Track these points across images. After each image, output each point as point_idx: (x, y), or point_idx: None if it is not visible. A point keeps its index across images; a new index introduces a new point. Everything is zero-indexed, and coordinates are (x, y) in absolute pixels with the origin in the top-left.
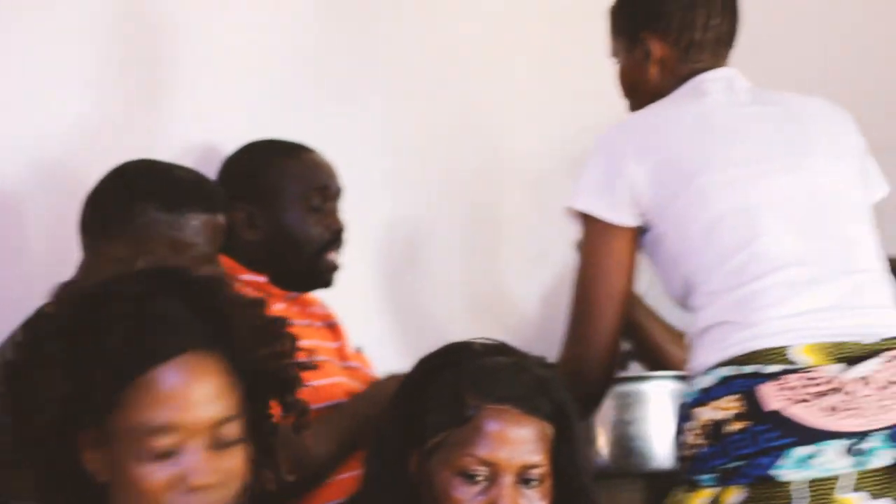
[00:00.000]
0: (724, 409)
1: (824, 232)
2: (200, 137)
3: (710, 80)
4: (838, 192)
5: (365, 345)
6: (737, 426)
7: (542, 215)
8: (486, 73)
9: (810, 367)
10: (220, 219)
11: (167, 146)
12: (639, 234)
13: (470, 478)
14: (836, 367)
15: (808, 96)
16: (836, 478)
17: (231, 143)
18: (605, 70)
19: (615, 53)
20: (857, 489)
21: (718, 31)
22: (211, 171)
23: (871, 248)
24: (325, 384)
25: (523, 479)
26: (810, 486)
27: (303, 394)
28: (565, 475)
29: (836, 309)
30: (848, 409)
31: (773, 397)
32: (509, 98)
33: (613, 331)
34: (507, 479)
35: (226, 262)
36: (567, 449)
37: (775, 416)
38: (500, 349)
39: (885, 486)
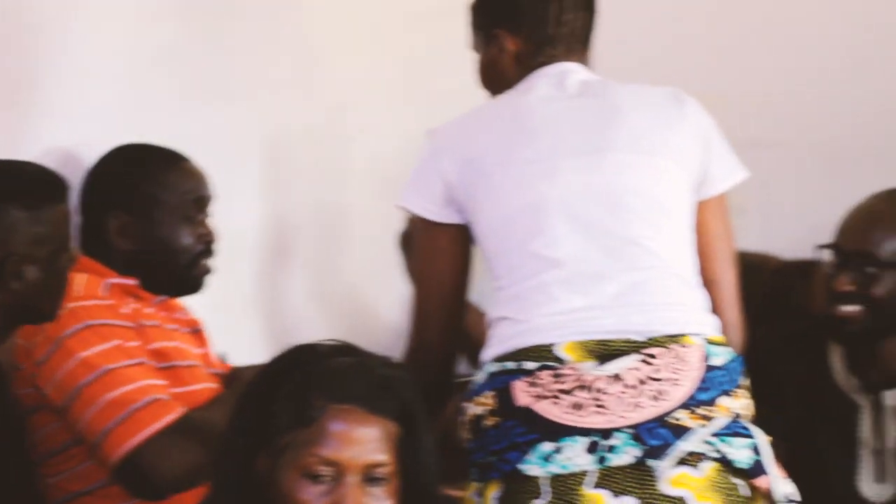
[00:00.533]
0: (483, 404)
1: (609, 230)
2: (62, 138)
3: (543, 75)
4: (634, 190)
5: (229, 349)
6: (491, 421)
7: (403, 216)
8: (348, 73)
9: (568, 364)
10: (67, 206)
11: (26, 146)
12: (468, 230)
13: (315, 478)
14: (589, 365)
15: (649, 87)
16: (580, 474)
17: (94, 144)
18: (462, 70)
19: (475, 47)
20: (599, 486)
21: (572, 26)
22: (72, 171)
23: (663, 245)
24: (193, 390)
25: (369, 478)
26: (552, 482)
27: (173, 398)
28: (412, 474)
29: (607, 307)
30: (594, 407)
31: (523, 393)
32: (368, 97)
33: (444, 326)
34: (352, 479)
35: (94, 266)
36: (414, 448)
37: (524, 411)
38: (346, 350)
39: (628, 484)
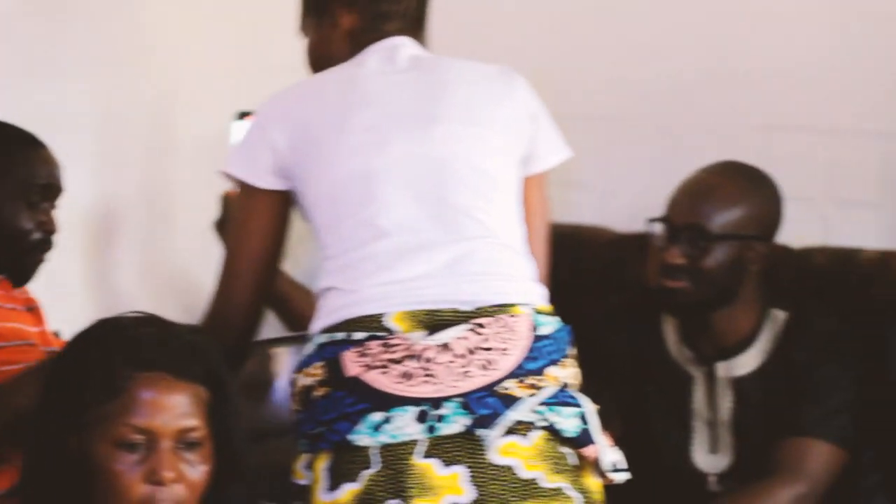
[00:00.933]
0: (312, 375)
1: (439, 200)
2: None
3: (375, 50)
4: (465, 161)
5: (63, 326)
6: (320, 392)
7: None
8: (179, 52)
9: (397, 334)
10: None
11: None
12: (291, 199)
13: (128, 447)
14: (419, 335)
15: (480, 64)
16: (410, 443)
17: None
18: (293, 50)
19: (304, 30)
20: (429, 455)
21: (407, 3)
22: None
23: (494, 216)
24: None
25: (181, 443)
26: (382, 452)
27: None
28: (223, 438)
29: (436, 276)
30: (423, 376)
31: (352, 364)
32: (199, 77)
33: (250, 290)
34: (165, 445)
35: None
36: (223, 412)
37: (353, 381)
38: (149, 320)
39: (458, 453)
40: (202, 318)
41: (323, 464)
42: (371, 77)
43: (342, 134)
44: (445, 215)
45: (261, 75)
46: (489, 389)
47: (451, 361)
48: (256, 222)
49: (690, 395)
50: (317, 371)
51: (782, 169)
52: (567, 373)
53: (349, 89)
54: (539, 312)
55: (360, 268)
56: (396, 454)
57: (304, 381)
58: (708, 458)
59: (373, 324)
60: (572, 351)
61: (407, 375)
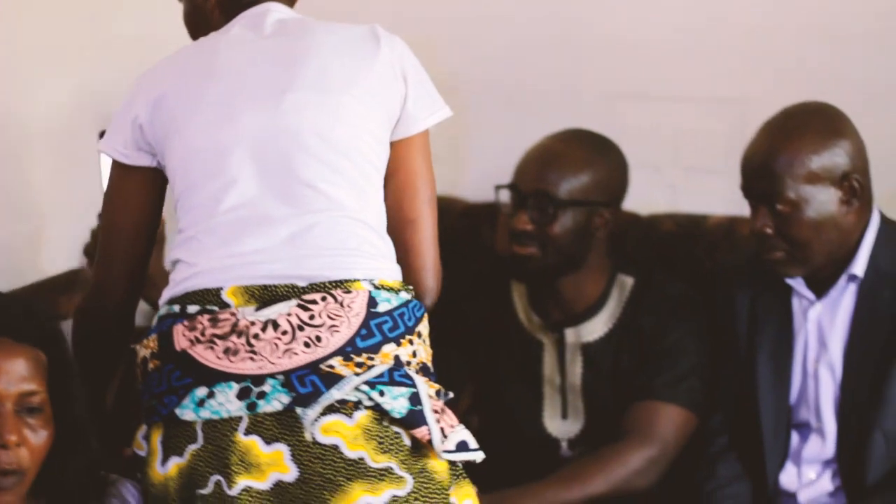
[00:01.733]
0: (148, 347)
1: (285, 172)
2: None
3: (244, 17)
4: (314, 131)
5: None
6: (153, 365)
7: (73, 171)
8: (30, 22)
9: (230, 308)
10: None
11: None
12: (161, 175)
13: None
14: (249, 310)
15: (347, 26)
16: (234, 420)
17: None
18: (145, 19)
19: None
20: (251, 432)
21: None
22: None
23: (343, 189)
24: None
25: (23, 407)
26: (205, 427)
27: None
28: (63, 403)
29: (276, 251)
30: (246, 352)
31: (181, 337)
32: (48, 47)
33: (125, 270)
34: (7, 408)
35: None
36: (62, 377)
37: (181, 355)
38: None
39: (278, 430)
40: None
41: (158, 437)
42: (232, 46)
43: (195, 107)
44: (290, 188)
45: (112, 44)
46: (312, 367)
47: (277, 338)
48: (124, 198)
49: (540, 362)
50: (152, 343)
51: (630, 137)
52: (406, 351)
53: (207, 60)
54: (381, 288)
55: (203, 241)
56: (219, 430)
57: (142, 352)
58: (559, 424)
59: (208, 297)
60: (421, 328)
61: (231, 351)
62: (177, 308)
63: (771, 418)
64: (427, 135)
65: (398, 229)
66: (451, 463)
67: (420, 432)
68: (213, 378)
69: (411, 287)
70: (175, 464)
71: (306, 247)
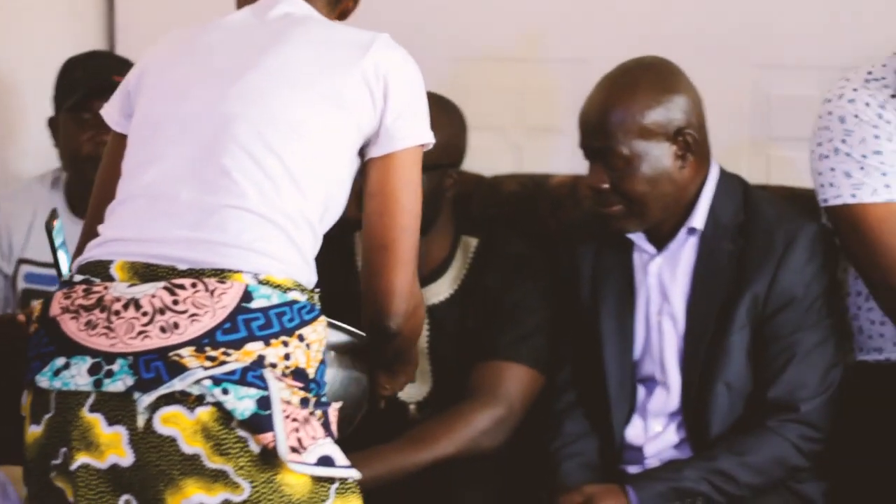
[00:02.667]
0: (36, 310)
1: (207, 158)
2: None
3: (259, 3)
4: (248, 123)
5: None
6: (33, 328)
7: None
8: None
9: (105, 282)
10: None
11: None
12: None
13: None
14: (122, 286)
15: (348, 30)
16: (82, 394)
17: None
18: None
19: None
20: (95, 410)
21: None
22: None
23: (265, 183)
24: None
25: None
26: (57, 398)
27: None
28: None
29: (174, 233)
30: (103, 328)
31: (56, 304)
32: None
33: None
34: None
35: None
36: None
37: (51, 322)
38: None
39: (119, 412)
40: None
41: (29, 401)
42: (225, 27)
43: (159, 79)
44: (208, 174)
45: None
46: (161, 353)
47: (135, 318)
48: (109, 160)
49: None
50: (38, 307)
51: (473, 98)
52: (277, 352)
53: (196, 36)
54: (265, 284)
55: (117, 214)
56: (69, 403)
57: (34, 314)
58: (407, 387)
59: (98, 269)
60: (306, 332)
61: (91, 324)
62: (74, 276)
63: (616, 372)
64: (411, 158)
65: (370, 251)
66: (325, 479)
67: (265, 438)
68: (72, 349)
69: (314, 291)
70: (32, 431)
71: (202, 233)
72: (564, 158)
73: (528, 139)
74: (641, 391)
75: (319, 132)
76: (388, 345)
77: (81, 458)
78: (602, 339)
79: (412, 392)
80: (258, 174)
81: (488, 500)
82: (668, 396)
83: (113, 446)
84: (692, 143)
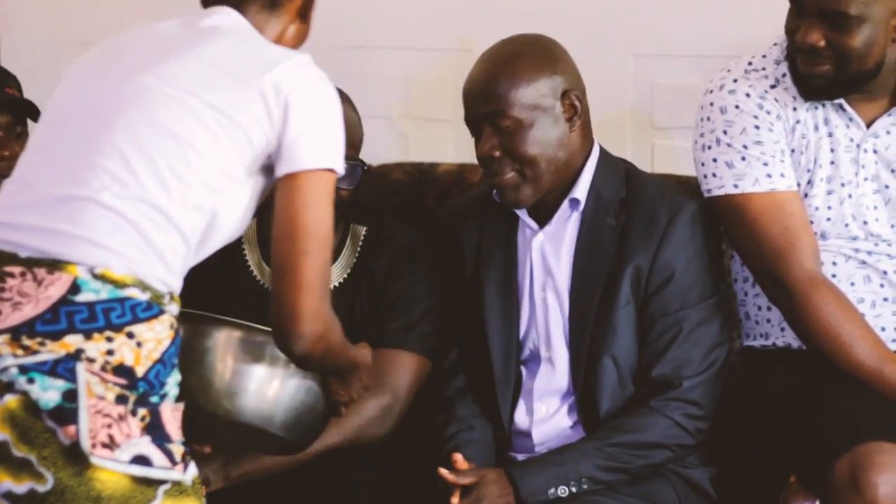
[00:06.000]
0: None
1: (84, 151)
2: None
3: (195, 13)
4: (131, 117)
5: None
6: None
7: None
8: None
9: None
10: None
11: None
12: None
13: None
14: None
15: (270, 46)
16: None
17: None
18: None
19: None
20: None
21: None
22: None
23: (137, 180)
24: None
25: None
26: None
27: None
28: None
29: (30, 220)
30: None
31: None
32: None
33: None
34: None
35: None
36: None
37: None
38: None
39: None
40: None
41: None
42: (144, 34)
43: (68, 79)
44: (77, 168)
45: None
46: None
47: None
48: None
49: None
50: None
51: (361, 87)
52: (99, 347)
53: (115, 41)
54: (100, 278)
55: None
56: None
57: None
58: None
59: None
60: (138, 329)
61: None
62: None
63: (501, 354)
64: (315, 181)
65: (275, 274)
66: (152, 480)
67: (69, 430)
68: None
69: (161, 292)
70: None
71: (52, 223)
72: (451, 147)
73: (414, 128)
74: (526, 372)
75: (203, 142)
76: (306, 366)
77: None
78: (487, 320)
79: None
80: (123, 172)
81: (382, 487)
82: (554, 374)
83: None
84: (578, 105)
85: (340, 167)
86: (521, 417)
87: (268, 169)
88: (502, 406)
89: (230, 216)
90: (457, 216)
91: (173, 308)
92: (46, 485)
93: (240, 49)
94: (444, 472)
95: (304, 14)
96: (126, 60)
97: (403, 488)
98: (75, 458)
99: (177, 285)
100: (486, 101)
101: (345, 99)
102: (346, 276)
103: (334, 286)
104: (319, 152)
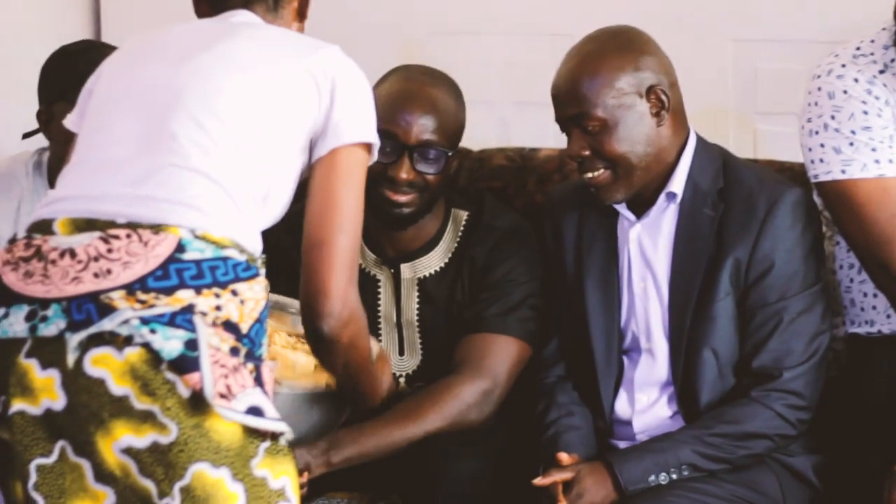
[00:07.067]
0: None
1: (157, 123)
2: None
3: (219, 17)
4: (200, 91)
5: None
6: None
7: None
8: None
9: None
10: None
11: None
12: None
13: None
14: (60, 238)
15: (301, 36)
16: (19, 341)
17: None
18: None
19: None
20: (31, 355)
21: None
22: None
23: (212, 150)
24: None
25: None
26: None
27: None
28: None
29: (117, 190)
30: (40, 276)
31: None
32: None
33: None
34: None
35: None
36: None
37: None
38: None
39: (53, 355)
40: None
41: None
42: (179, 28)
43: (114, 70)
44: (156, 137)
45: None
46: (92, 297)
47: (70, 266)
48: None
49: (377, 298)
50: None
51: (460, 72)
52: (209, 302)
53: (154, 37)
54: (201, 239)
55: (67, 176)
56: (7, 350)
57: None
58: (397, 360)
59: (43, 227)
60: (241, 287)
61: (29, 274)
62: (20, 234)
63: (602, 344)
64: (355, 157)
65: (307, 251)
66: (256, 432)
67: (192, 378)
68: (11, 299)
69: (254, 255)
70: None
71: (142, 189)
72: (552, 133)
73: (515, 113)
74: (627, 362)
75: (262, 112)
76: (328, 354)
77: (17, 405)
78: (587, 309)
79: (402, 364)
80: (204, 138)
81: (483, 472)
82: (654, 365)
83: (46, 390)
84: (666, 100)
85: (376, 141)
86: (622, 407)
87: (307, 151)
88: (604, 395)
89: (283, 191)
90: (557, 204)
91: (264, 270)
92: (170, 435)
93: (280, 35)
94: (536, 480)
95: (302, 13)
96: (178, 46)
97: (502, 476)
98: (195, 409)
99: (260, 249)
100: (570, 104)
101: (450, 86)
102: (447, 260)
103: (436, 270)
104: (363, 128)
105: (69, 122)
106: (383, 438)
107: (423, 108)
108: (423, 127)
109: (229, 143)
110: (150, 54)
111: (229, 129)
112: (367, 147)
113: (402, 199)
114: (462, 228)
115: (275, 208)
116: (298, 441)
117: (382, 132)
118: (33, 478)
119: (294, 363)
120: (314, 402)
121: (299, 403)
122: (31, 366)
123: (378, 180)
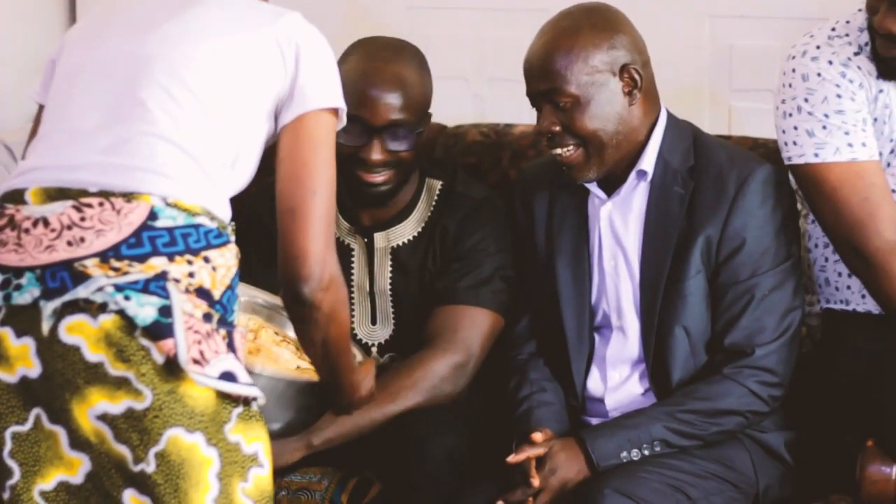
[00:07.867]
0: None
1: (125, 92)
2: None
3: None
4: (167, 60)
5: None
6: None
7: None
8: None
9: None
10: None
11: None
12: None
13: None
14: (32, 207)
15: (266, 5)
16: None
17: None
18: None
19: None
20: (5, 324)
21: None
22: None
23: (178, 118)
24: None
25: None
26: None
27: None
28: None
29: (87, 159)
30: (13, 245)
31: None
32: None
33: None
34: None
35: None
36: None
37: None
38: None
39: (27, 323)
40: None
41: None
42: (140, 1)
43: (77, 39)
44: (124, 106)
45: None
46: (66, 265)
47: (43, 234)
48: (33, 129)
49: (351, 267)
50: None
51: (435, 47)
52: (181, 269)
53: (111, 8)
54: (173, 206)
55: (37, 147)
56: None
57: None
58: (369, 329)
59: (14, 197)
60: (212, 254)
61: (2, 243)
62: None
63: (574, 320)
64: (323, 122)
65: (281, 217)
66: (229, 397)
67: (166, 345)
68: None
69: (225, 222)
70: None
71: (114, 158)
72: (526, 109)
73: (490, 89)
74: (598, 339)
75: (229, 79)
76: (308, 322)
77: None
78: (559, 287)
79: (375, 334)
80: (172, 105)
81: (458, 447)
82: (626, 343)
83: (21, 358)
84: (638, 79)
85: (343, 106)
86: (594, 384)
87: (273, 118)
88: (576, 372)
89: (250, 157)
90: (529, 182)
91: (233, 237)
92: (145, 401)
93: (244, 3)
94: (509, 458)
95: None
96: (143, 15)
97: (477, 452)
98: (169, 375)
99: (230, 216)
100: (543, 79)
101: (413, 56)
102: (420, 229)
103: (409, 239)
104: (329, 92)
105: (38, 96)
106: (362, 418)
107: (389, 87)
108: (389, 106)
109: (197, 110)
110: (115, 23)
111: (197, 96)
112: (335, 112)
113: (378, 178)
114: (436, 198)
115: (242, 175)
116: (280, 434)
117: (349, 115)
118: (8, 445)
119: (278, 356)
120: (295, 390)
121: (281, 389)
122: (6, 334)
123: (351, 162)
